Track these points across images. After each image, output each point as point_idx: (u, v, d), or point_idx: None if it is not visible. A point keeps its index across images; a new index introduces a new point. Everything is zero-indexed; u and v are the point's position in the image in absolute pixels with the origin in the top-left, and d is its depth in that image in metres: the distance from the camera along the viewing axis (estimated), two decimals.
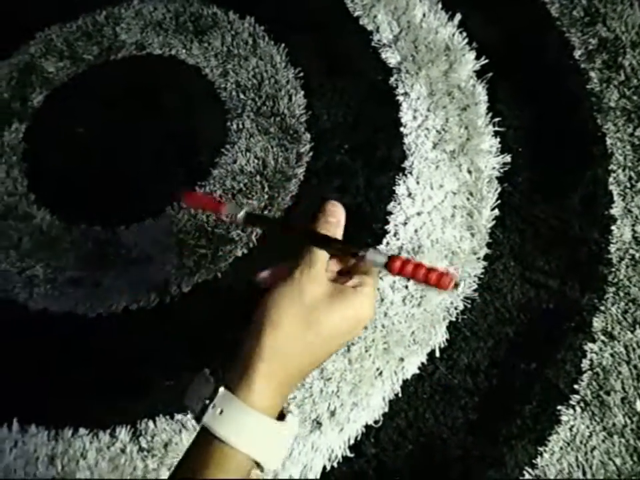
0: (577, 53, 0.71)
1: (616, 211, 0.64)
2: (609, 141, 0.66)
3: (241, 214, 0.40)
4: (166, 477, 0.59)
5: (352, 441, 0.58)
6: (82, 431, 0.62)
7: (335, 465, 0.58)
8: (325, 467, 0.58)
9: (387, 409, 0.59)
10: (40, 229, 0.74)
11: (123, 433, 0.61)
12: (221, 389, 0.33)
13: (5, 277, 0.72)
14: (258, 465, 0.33)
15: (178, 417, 0.61)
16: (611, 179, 0.65)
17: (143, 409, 0.62)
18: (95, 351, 0.67)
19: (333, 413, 0.59)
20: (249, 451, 0.32)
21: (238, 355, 0.34)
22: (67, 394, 0.65)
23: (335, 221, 0.37)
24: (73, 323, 0.68)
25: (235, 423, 0.32)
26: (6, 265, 0.72)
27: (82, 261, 0.71)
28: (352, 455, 0.58)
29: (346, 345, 0.36)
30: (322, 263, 0.35)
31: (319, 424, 0.59)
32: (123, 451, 0.61)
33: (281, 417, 0.35)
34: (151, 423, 0.61)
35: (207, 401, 0.33)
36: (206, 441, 0.32)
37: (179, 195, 0.43)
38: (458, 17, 0.75)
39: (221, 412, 0.32)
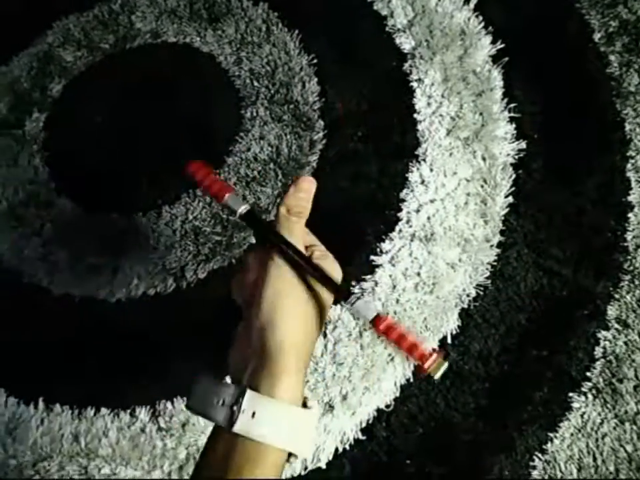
0: (597, 36, 0.69)
1: (633, 197, 0.63)
2: (627, 127, 0.65)
3: (242, 209, 0.38)
4: (183, 456, 0.61)
5: (364, 424, 0.60)
6: (104, 410, 0.65)
7: (347, 447, 0.59)
8: (337, 449, 0.59)
9: (398, 394, 0.60)
10: (61, 216, 0.76)
11: (143, 413, 0.64)
12: (248, 391, 0.32)
13: (28, 263, 0.74)
14: (290, 454, 0.33)
15: None
16: (629, 166, 0.64)
17: (161, 391, 0.64)
18: (115, 334, 0.69)
19: (345, 397, 0.60)
20: (286, 446, 0.32)
21: (250, 352, 0.34)
22: (89, 375, 0.68)
23: (304, 196, 0.37)
24: (94, 307, 0.70)
25: (271, 422, 0.31)
26: (29, 250, 0.75)
27: (101, 248, 0.73)
28: (364, 438, 0.59)
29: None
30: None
31: (332, 407, 0.60)
32: (142, 430, 0.63)
33: (304, 403, 0.35)
34: (169, 404, 0.64)
35: (234, 407, 0.31)
36: (235, 442, 0.31)
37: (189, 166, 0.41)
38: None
39: (253, 414, 0.31)
